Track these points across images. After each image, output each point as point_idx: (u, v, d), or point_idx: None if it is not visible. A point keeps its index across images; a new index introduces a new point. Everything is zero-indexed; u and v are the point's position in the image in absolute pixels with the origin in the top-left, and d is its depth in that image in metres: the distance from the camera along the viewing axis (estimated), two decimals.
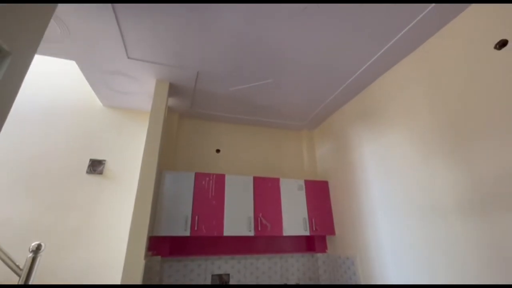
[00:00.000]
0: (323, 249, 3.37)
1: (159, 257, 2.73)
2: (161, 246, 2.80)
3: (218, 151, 3.72)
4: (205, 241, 3.07)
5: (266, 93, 3.10)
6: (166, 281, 2.80)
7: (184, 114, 3.66)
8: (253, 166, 3.77)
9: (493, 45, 1.71)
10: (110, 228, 2.88)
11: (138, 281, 2.08)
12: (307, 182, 3.41)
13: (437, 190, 2.00)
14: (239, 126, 4.00)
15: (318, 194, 3.41)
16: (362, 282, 2.67)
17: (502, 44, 1.67)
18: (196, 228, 2.72)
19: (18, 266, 1.00)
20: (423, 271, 2.03)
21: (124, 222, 2.84)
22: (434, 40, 2.16)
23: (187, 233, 2.67)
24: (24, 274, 0.99)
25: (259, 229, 2.93)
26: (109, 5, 1.86)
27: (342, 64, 2.57)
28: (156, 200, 2.70)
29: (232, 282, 2.99)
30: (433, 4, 1.88)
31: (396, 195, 2.39)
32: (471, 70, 1.85)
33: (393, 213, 2.40)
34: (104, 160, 3.09)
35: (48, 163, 2.89)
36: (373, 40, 2.25)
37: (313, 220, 3.20)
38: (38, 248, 1.03)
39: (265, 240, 3.29)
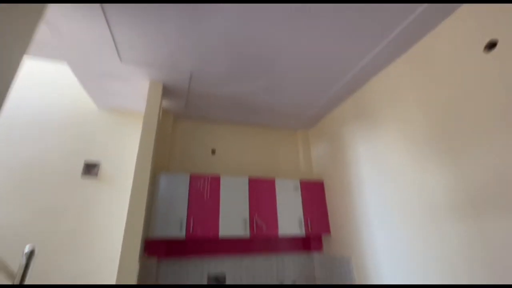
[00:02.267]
0: (319, 248, 3.39)
1: (155, 259, 2.74)
2: (157, 248, 2.82)
3: (213, 151, 3.72)
4: (201, 242, 3.08)
5: (260, 94, 3.10)
6: (162, 282, 2.80)
7: (179, 116, 3.65)
8: (248, 167, 3.78)
9: (483, 47, 1.73)
10: (106, 230, 2.88)
11: (133, 282, 2.09)
12: (302, 183, 3.43)
13: (429, 192, 2.02)
14: (234, 126, 4.00)
15: (314, 194, 3.43)
16: (357, 281, 2.69)
17: (491, 45, 1.69)
18: (191, 230, 2.72)
19: (11, 271, 0.99)
20: (417, 271, 2.06)
21: (120, 225, 2.83)
22: (425, 42, 2.17)
23: (183, 235, 2.67)
24: (18, 278, 0.99)
25: (255, 230, 2.94)
26: (99, 7, 1.84)
27: (334, 65, 2.58)
28: (151, 202, 2.69)
29: (228, 282, 3.00)
30: (425, 5, 1.89)
31: (389, 196, 2.41)
32: (460, 73, 1.86)
33: (386, 213, 2.42)
34: (99, 163, 3.07)
35: (41, 167, 2.87)
36: (364, 42, 2.25)
37: (309, 220, 3.22)
38: (31, 252, 1.03)
39: (261, 241, 3.31)
